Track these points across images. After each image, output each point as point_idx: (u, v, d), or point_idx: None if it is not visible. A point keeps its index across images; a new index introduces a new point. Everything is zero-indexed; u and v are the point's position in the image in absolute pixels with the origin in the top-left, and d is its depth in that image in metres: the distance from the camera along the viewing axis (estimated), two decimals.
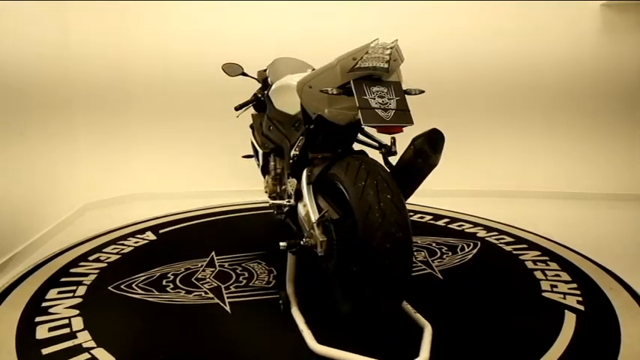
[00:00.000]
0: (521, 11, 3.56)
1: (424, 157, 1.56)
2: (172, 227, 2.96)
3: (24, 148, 2.54)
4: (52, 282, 2.09)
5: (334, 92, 1.49)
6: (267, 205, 3.05)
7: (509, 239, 2.69)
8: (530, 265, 2.30)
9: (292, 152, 1.81)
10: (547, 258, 2.38)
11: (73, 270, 2.23)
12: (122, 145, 3.57)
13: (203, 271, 2.24)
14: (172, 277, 2.17)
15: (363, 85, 1.43)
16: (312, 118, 1.78)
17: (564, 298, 1.92)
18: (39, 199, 2.72)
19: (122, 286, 2.05)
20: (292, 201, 1.98)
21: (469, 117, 3.69)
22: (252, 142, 2.68)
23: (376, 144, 1.87)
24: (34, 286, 2.05)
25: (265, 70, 2.67)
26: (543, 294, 1.97)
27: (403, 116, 1.41)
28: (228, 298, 1.95)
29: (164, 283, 2.10)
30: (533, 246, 2.56)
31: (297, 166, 2.07)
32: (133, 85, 3.52)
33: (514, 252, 2.48)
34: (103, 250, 2.52)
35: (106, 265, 2.32)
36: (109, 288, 2.03)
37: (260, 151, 2.39)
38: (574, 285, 2.05)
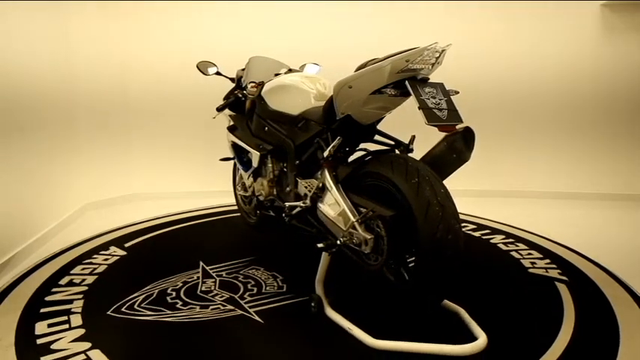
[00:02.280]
0: (520, 12, 3.59)
1: (458, 152, 1.67)
2: (138, 239, 2.69)
3: (24, 150, 2.54)
4: (32, 315, 1.77)
5: (393, 93, 1.52)
6: (242, 208, 2.99)
7: (471, 226, 2.98)
8: (503, 247, 2.59)
9: (326, 153, 1.79)
10: (512, 240, 2.70)
11: (49, 298, 1.91)
12: (121, 147, 3.63)
13: (204, 283, 2.09)
14: (174, 292, 1.98)
15: (417, 86, 1.49)
16: (337, 118, 1.79)
17: (547, 272, 2.22)
18: (39, 200, 2.71)
19: (123, 309, 1.82)
20: (308, 202, 1.96)
21: (466, 118, 3.76)
22: (233, 144, 2.56)
23: (392, 142, 1.94)
24: (12, 321, 1.72)
25: (243, 70, 2.58)
26: (529, 270, 2.25)
27: (456, 115, 1.51)
28: (249, 307, 1.86)
29: (169, 300, 1.91)
30: (495, 231, 2.88)
31: (308, 166, 2.06)
32: (131, 92, 3.61)
33: (483, 237, 2.77)
34: (72, 272, 2.19)
35: (85, 288, 2.02)
36: (109, 313, 1.79)
37: (255, 154, 2.29)
38: (548, 260, 2.37)
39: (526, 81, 3.70)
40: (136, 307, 1.85)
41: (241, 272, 2.22)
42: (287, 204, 2.02)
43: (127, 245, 2.59)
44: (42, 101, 2.77)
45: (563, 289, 2.01)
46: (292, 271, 2.23)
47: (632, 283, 2.09)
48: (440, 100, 1.51)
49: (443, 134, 1.73)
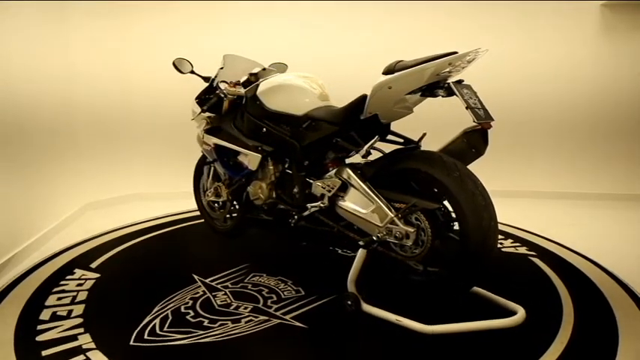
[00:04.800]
0: (519, 12, 3.56)
1: (477, 147, 1.84)
2: (105, 256, 2.38)
3: (24, 151, 2.56)
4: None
5: (444, 95, 1.61)
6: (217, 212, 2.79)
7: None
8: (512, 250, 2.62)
9: (362, 152, 1.79)
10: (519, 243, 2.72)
11: (42, 338, 1.59)
12: (121, 148, 3.63)
13: (214, 296, 1.94)
14: (191, 311, 1.81)
15: (458, 88, 1.61)
16: (362, 118, 1.82)
17: (517, 250, 2.54)
18: (39, 200, 2.73)
19: (146, 337, 1.61)
20: (326, 202, 1.95)
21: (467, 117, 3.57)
22: (216, 147, 2.39)
23: (401, 139, 2.03)
24: None
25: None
26: (502, 249, 2.55)
27: (488, 113, 1.66)
28: (282, 315, 1.79)
29: (191, 320, 1.74)
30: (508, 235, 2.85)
31: (317, 167, 2.05)
32: (129, 95, 3.60)
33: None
34: (48, 304, 1.84)
35: (80, 320, 1.72)
36: (133, 343, 1.56)
37: (255, 156, 2.18)
38: (511, 239, 2.71)
39: (525, 81, 3.67)
40: (158, 332, 1.65)
41: (246, 281, 2.11)
42: (308, 205, 1.98)
43: (93, 265, 2.26)
44: (42, 104, 2.79)
45: (538, 262, 2.34)
46: (296, 273, 2.19)
47: (633, 283, 2.08)
48: (475, 100, 1.65)
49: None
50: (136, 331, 1.64)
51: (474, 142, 1.83)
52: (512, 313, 1.73)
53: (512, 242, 2.65)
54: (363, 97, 1.79)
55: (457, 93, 1.59)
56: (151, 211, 3.26)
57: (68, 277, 2.11)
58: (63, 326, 1.67)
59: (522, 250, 2.53)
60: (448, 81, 1.67)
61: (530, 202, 3.70)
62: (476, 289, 1.92)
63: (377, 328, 1.70)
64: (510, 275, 2.21)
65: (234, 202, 2.56)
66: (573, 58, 3.63)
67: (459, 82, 1.67)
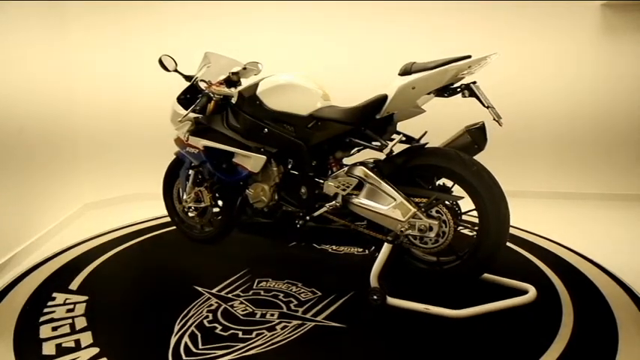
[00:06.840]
0: (519, 11, 3.53)
1: (479, 143, 1.99)
2: (84, 275, 2.15)
3: (25, 152, 2.57)
4: None
5: (467, 95, 1.71)
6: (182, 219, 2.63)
7: None
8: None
9: (386, 150, 1.82)
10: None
11: None
12: (120, 149, 3.62)
13: (232, 307, 1.84)
14: (216, 325, 1.69)
15: (477, 88, 1.73)
16: (378, 117, 1.87)
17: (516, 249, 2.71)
18: (39, 200, 2.72)
19: (184, 358, 1.47)
20: (340, 201, 1.96)
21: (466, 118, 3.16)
22: (204, 148, 2.24)
23: (403, 138, 2.11)
24: None
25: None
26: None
27: (496, 111, 1.80)
28: (313, 317, 1.76)
29: (222, 333, 1.63)
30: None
31: (325, 167, 2.06)
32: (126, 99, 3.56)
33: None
34: (45, 337, 1.59)
35: (97, 349, 1.51)
36: None
37: (259, 157, 2.08)
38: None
39: (525, 81, 3.64)
40: (195, 350, 1.52)
41: (256, 288, 2.03)
42: (326, 205, 1.96)
43: (73, 287, 1.99)
44: (41, 104, 2.79)
45: (518, 249, 2.57)
46: (300, 274, 2.16)
47: (633, 284, 2.06)
48: (488, 100, 1.79)
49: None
50: (170, 353, 1.50)
51: (476, 137, 1.98)
52: (522, 292, 1.92)
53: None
54: (382, 97, 1.83)
55: (478, 94, 1.72)
56: (150, 211, 3.18)
57: (51, 304, 1.84)
58: (79, 358, 1.46)
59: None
60: (465, 82, 1.78)
61: (530, 202, 3.62)
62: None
63: (406, 318, 1.75)
64: (508, 275, 2.07)
65: (217, 207, 2.44)
66: (574, 58, 3.61)
67: (473, 83, 1.80)
